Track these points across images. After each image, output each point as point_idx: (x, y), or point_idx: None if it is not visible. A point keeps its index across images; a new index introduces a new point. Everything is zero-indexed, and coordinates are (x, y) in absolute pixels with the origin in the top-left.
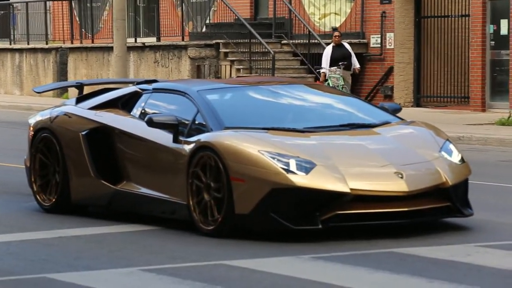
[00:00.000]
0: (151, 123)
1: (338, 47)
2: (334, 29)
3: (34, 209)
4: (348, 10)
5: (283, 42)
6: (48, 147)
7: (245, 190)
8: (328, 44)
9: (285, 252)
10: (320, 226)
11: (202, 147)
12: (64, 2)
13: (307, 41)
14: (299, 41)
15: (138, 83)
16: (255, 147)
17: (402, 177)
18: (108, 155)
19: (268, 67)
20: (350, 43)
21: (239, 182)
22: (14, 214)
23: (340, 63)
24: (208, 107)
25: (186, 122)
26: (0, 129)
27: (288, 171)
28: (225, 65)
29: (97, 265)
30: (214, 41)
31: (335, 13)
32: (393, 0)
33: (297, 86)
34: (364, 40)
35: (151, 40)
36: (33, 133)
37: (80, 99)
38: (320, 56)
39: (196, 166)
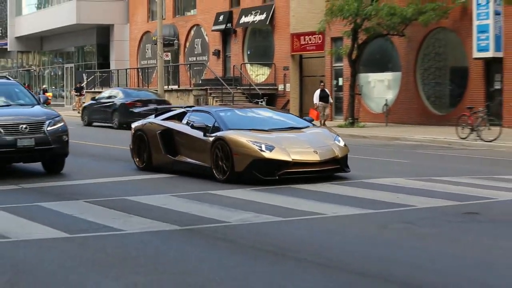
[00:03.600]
0: (192, 126)
1: (322, 91)
2: (321, 81)
3: (130, 168)
4: (268, 72)
5: (237, 87)
6: (141, 139)
7: (240, 160)
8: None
9: (241, 187)
10: (276, 177)
11: (219, 139)
12: (134, 69)
13: (249, 87)
14: (245, 87)
15: (185, 107)
16: (244, 138)
17: (317, 153)
18: (171, 143)
19: (230, 100)
20: (268, 89)
21: (237, 156)
22: (118, 169)
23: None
24: (220, 119)
25: (209, 126)
26: (104, 131)
27: (261, 150)
28: (210, 99)
29: (150, 192)
30: (205, 87)
31: (262, 74)
32: (289, 68)
33: (262, 108)
34: (275, 87)
35: (175, 87)
36: (133, 131)
37: (157, 115)
38: (254, 95)
39: (215, 148)
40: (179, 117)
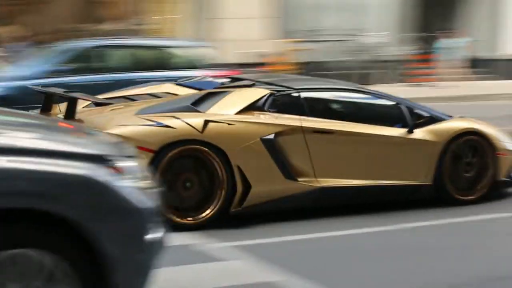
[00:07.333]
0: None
1: None
2: None
3: None
4: None
5: None
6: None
7: (506, 161)
8: None
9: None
10: None
11: (466, 133)
12: None
13: None
14: None
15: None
16: (492, 127)
17: None
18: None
19: None
20: None
21: (504, 155)
22: None
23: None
24: (408, 102)
25: (405, 117)
26: None
27: None
28: None
29: None
30: None
31: None
32: None
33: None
34: None
35: None
36: (167, 155)
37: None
38: None
39: (453, 150)
40: (262, 106)
